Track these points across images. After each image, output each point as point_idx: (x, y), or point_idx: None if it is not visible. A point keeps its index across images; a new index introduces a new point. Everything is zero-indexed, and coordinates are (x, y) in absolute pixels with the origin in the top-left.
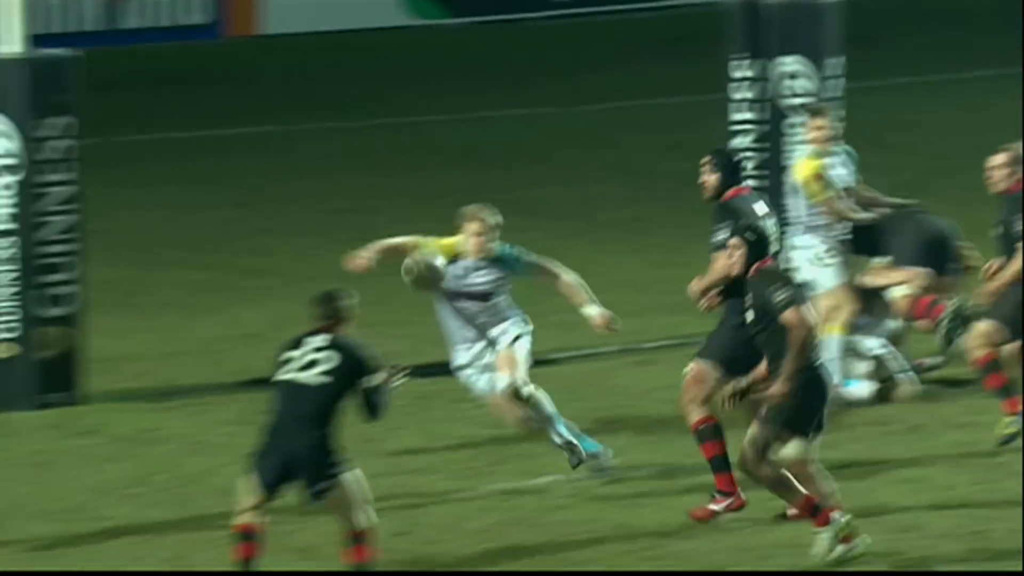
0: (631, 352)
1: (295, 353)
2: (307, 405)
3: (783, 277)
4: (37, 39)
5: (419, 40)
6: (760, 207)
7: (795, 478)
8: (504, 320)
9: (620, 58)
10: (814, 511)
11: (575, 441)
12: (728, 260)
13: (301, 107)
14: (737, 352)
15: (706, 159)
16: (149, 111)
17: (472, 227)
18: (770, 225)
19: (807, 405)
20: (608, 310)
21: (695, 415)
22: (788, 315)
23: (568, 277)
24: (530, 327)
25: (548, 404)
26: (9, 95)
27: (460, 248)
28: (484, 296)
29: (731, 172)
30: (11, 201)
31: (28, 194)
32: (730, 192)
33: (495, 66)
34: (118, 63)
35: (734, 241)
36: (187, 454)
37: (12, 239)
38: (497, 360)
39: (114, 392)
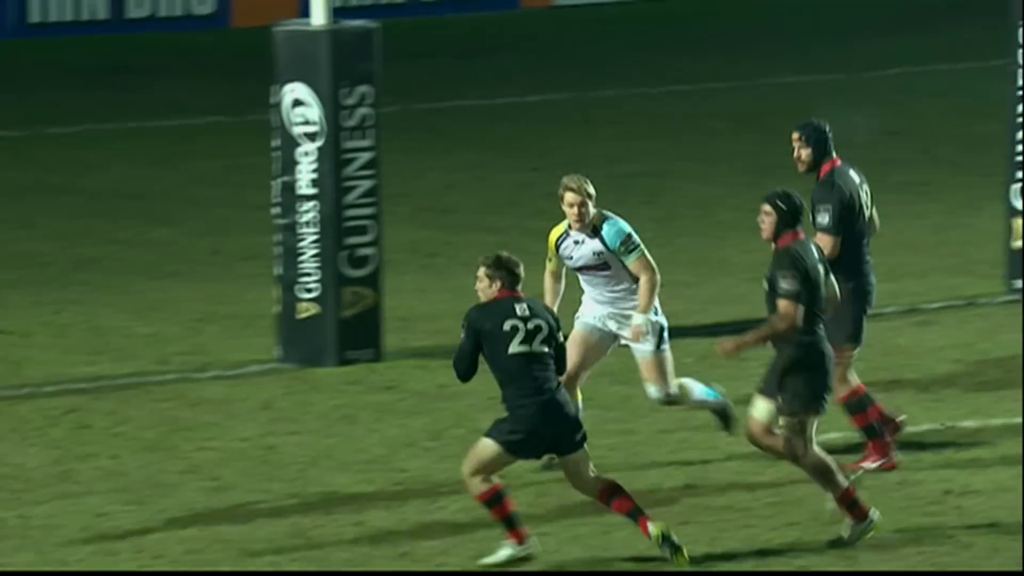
0: (913, 313)
1: (515, 323)
2: (550, 373)
3: (797, 265)
4: (338, 12)
5: (706, 7)
6: (855, 177)
7: (758, 440)
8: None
9: (902, 24)
10: (852, 505)
11: (727, 405)
12: (760, 223)
13: (593, 75)
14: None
15: (795, 134)
16: (449, 80)
17: (567, 198)
18: (863, 195)
19: (818, 382)
20: (646, 324)
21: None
22: (782, 303)
23: (653, 277)
24: (663, 319)
25: (696, 388)
26: (313, 65)
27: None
28: (600, 268)
29: (823, 144)
30: (314, 167)
31: (331, 160)
32: (825, 166)
33: (776, 33)
34: (419, 34)
35: (766, 208)
36: (482, 410)
37: (314, 203)
38: (641, 367)
39: (412, 349)
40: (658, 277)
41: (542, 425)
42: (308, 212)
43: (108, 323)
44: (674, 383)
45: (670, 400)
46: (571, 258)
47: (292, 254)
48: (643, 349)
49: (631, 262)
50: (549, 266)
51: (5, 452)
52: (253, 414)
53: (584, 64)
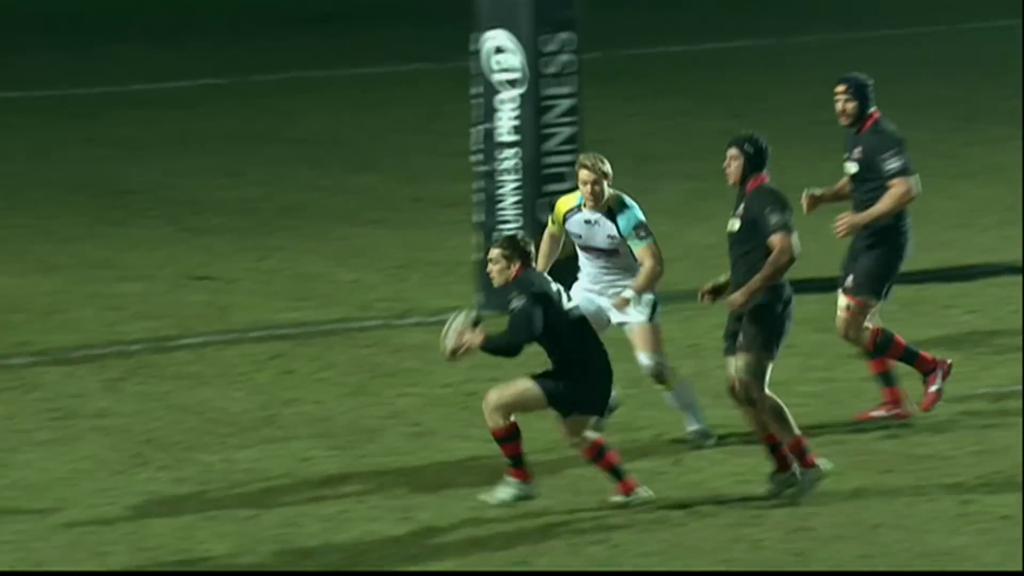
0: None
1: (555, 287)
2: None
3: (781, 199)
4: None
5: None
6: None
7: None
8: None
9: None
10: (801, 452)
11: (707, 430)
12: (726, 168)
13: (795, 20)
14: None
15: (841, 87)
16: (651, 27)
17: (581, 175)
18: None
19: (780, 329)
20: (635, 299)
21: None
22: (777, 238)
23: (656, 266)
24: (656, 300)
25: (692, 395)
26: (515, 12)
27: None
28: (608, 252)
29: (868, 98)
30: (515, 114)
31: (532, 107)
32: (868, 120)
33: None
34: None
35: (732, 152)
36: (682, 357)
37: (515, 150)
38: (632, 336)
39: None
40: (661, 268)
41: (602, 386)
42: (508, 159)
43: (312, 269)
44: (667, 359)
45: (660, 369)
46: (580, 236)
47: (492, 201)
48: (636, 319)
49: (639, 249)
50: (551, 228)
51: (211, 397)
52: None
53: (785, 9)
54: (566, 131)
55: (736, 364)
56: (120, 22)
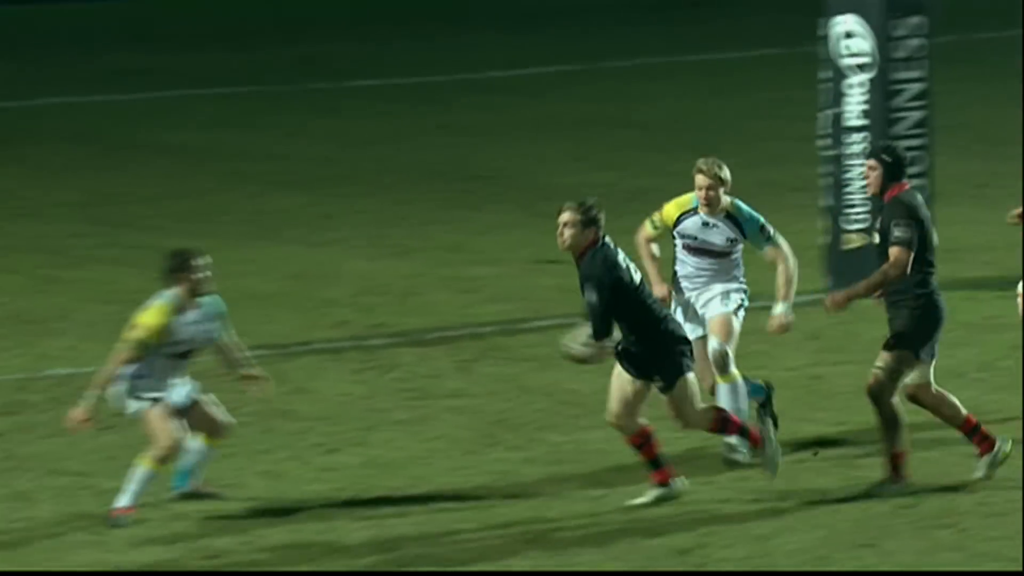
0: None
1: (628, 262)
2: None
3: (910, 212)
4: None
5: None
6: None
7: (923, 403)
8: (729, 281)
9: None
10: (898, 465)
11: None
12: (866, 179)
13: None
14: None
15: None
16: (1004, 9)
17: (696, 180)
18: None
19: (924, 330)
20: (788, 313)
21: None
22: (895, 251)
23: (789, 265)
24: (747, 298)
25: (743, 395)
26: None
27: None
28: (719, 254)
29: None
30: (863, 98)
31: (880, 91)
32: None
33: None
34: None
35: (871, 162)
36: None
37: (863, 135)
38: (711, 323)
39: (961, 280)
40: (794, 264)
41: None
42: (855, 144)
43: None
44: (733, 351)
45: (724, 357)
46: (694, 238)
47: (839, 186)
48: (721, 309)
49: (769, 249)
50: (652, 232)
51: (561, 379)
52: (801, 344)
53: None
54: (915, 115)
55: (877, 362)
56: (474, 11)
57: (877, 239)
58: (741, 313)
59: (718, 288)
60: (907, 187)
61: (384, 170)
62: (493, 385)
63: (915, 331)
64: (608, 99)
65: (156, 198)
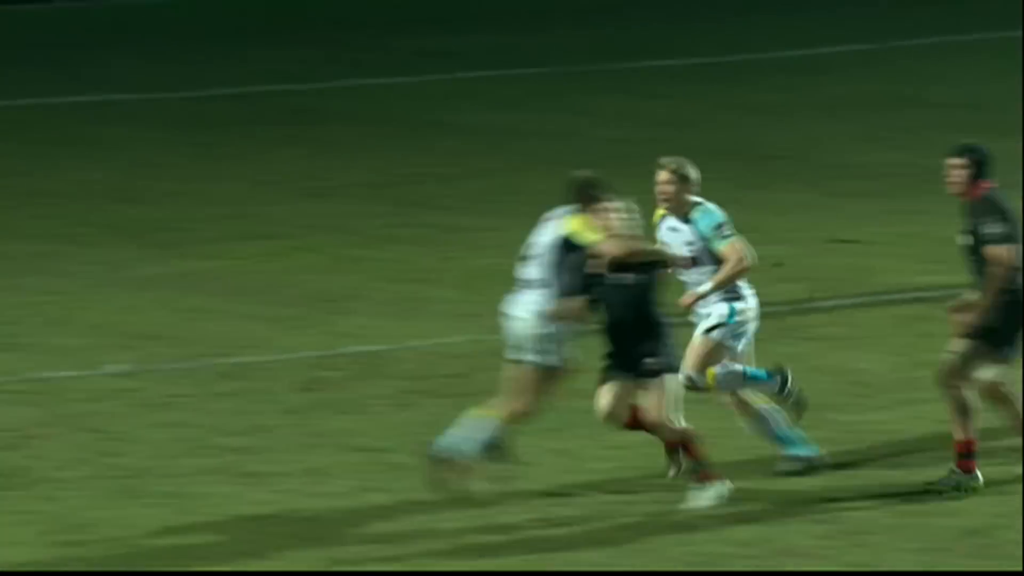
0: None
1: None
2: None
3: (999, 208)
4: None
5: None
6: None
7: (992, 399)
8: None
9: None
10: (968, 453)
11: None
12: (949, 180)
13: None
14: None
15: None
16: None
17: (657, 176)
18: None
19: (1007, 327)
20: (703, 295)
21: None
22: (993, 250)
23: (731, 263)
24: (735, 316)
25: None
26: None
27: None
28: (693, 263)
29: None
30: None
31: None
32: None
33: None
34: None
35: (955, 161)
36: None
37: None
38: (689, 346)
39: None
40: (747, 263)
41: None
42: None
43: (949, 233)
44: (698, 373)
45: (692, 384)
46: (667, 244)
47: None
48: (697, 330)
49: (723, 247)
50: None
51: (850, 359)
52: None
53: None
54: None
55: (952, 347)
56: None
57: (970, 240)
58: (718, 329)
59: (711, 302)
60: (988, 186)
61: (676, 151)
62: (785, 364)
63: (998, 327)
64: (903, 78)
65: (450, 178)
